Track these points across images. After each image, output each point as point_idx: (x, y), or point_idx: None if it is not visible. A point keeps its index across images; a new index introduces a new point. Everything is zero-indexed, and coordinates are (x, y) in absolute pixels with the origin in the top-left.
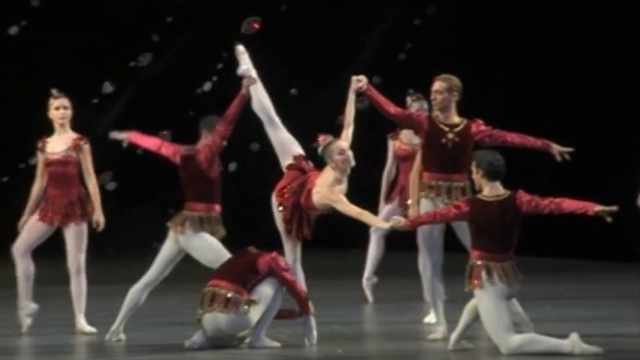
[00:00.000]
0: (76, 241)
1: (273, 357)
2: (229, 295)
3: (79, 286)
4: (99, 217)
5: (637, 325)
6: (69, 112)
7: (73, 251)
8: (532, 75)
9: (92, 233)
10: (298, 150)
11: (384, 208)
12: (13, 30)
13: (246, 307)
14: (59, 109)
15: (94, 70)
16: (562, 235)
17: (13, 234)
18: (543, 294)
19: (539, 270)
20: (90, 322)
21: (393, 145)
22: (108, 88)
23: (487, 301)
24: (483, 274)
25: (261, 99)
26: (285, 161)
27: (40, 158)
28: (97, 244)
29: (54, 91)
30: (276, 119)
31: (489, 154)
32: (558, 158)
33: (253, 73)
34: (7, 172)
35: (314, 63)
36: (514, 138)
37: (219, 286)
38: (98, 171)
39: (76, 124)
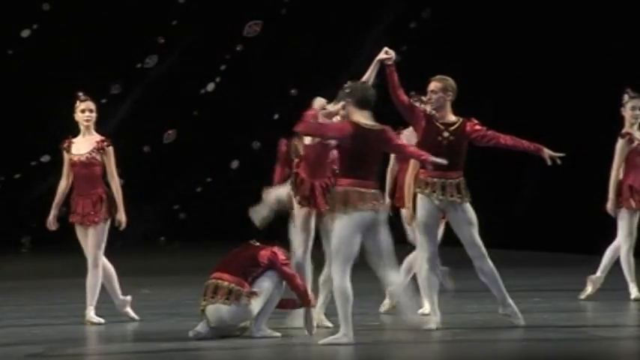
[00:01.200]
0: (95, 238)
1: (274, 347)
2: (231, 287)
3: (94, 278)
4: (121, 216)
5: (622, 315)
6: (94, 115)
7: (92, 247)
8: (525, 78)
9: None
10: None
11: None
12: (25, 33)
13: (247, 299)
14: (85, 111)
15: (102, 71)
16: (553, 229)
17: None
18: (532, 286)
19: (529, 263)
20: (98, 314)
21: None
22: (116, 89)
23: (344, 227)
24: (350, 199)
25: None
26: None
27: (66, 158)
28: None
29: (80, 94)
30: None
31: (360, 85)
32: (549, 162)
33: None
34: (19, 170)
35: (313, 64)
36: (507, 140)
37: (221, 279)
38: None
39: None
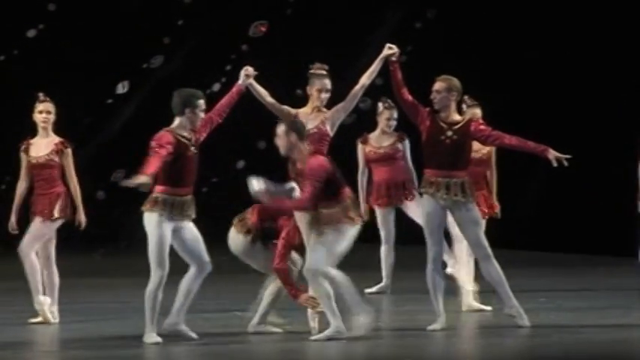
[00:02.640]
0: (37, 230)
1: (275, 343)
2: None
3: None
4: (81, 216)
5: (629, 316)
6: (52, 117)
7: (29, 236)
8: (532, 77)
9: (106, 229)
10: None
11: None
12: (31, 33)
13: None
14: (42, 112)
15: (107, 71)
16: (558, 230)
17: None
18: (538, 286)
19: (535, 264)
20: (108, 311)
21: (362, 149)
22: (122, 88)
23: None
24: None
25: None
26: None
27: (24, 160)
28: (110, 239)
29: (40, 95)
30: None
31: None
32: (555, 164)
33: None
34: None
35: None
36: (512, 140)
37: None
38: (111, 169)
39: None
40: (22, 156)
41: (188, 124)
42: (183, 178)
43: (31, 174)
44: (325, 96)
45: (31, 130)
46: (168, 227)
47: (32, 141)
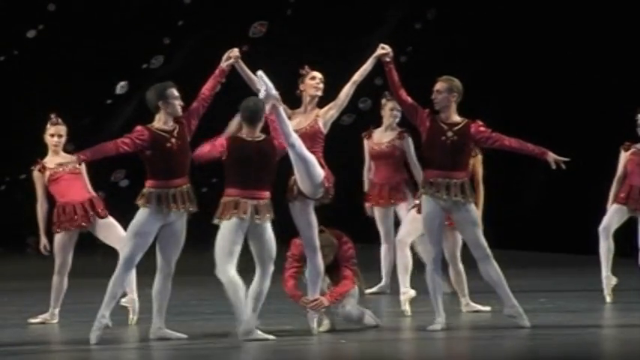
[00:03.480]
0: (109, 230)
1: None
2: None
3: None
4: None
5: (629, 316)
6: (63, 140)
7: (114, 241)
8: (532, 79)
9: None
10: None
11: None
12: (31, 33)
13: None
14: (54, 136)
15: (107, 72)
16: (558, 230)
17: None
18: (538, 286)
19: (535, 264)
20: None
21: (367, 144)
22: (121, 89)
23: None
24: (232, 208)
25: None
26: None
27: (40, 180)
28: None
29: (52, 117)
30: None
31: (249, 101)
32: (554, 166)
33: (274, 92)
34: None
35: (318, 64)
36: (512, 142)
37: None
38: (111, 169)
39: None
40: (38, 176)
41: (167, 117)
42: (170, 170)
43: (51, 190)
44: (316, 93)
45: (28, 131)
46: (154, 223)
47: (45, 161)
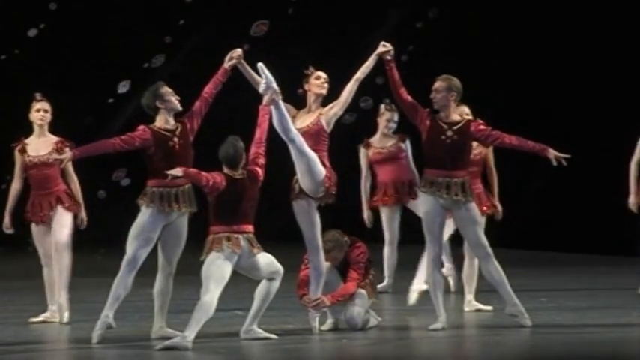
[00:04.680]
0: (61, 219)
1: (274, 343)
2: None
3: (60, 262)
4: (82, 214)
5: (630, 315)
6: (49, 116)
7: (58, 228)
8: (533, 76)
9: (108, 228)
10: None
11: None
12: (32, 32)
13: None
14: (40, 111)
15: (109, 71)
16: (558, 230)
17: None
18: (539, 286)
19: (535, 263)
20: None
21: (366, 154)
22: (123, 87)
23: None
24: (224, 242)
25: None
26: None
27: (19, 160)
28: (112, 238)
29: (37, 95)
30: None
31: (228, 148)
32: (554, 163)
33: (274, 85)
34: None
35: (319, 64)
36: (512, 140)
37: None
38: (113, 168)
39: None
40: (18, 156)
41: (168, 116)
42: (172, 168)
43: (27, 174)
44: (321, 92)
45: (28, 130)
46: (157, 223)
47: (28, 141)
